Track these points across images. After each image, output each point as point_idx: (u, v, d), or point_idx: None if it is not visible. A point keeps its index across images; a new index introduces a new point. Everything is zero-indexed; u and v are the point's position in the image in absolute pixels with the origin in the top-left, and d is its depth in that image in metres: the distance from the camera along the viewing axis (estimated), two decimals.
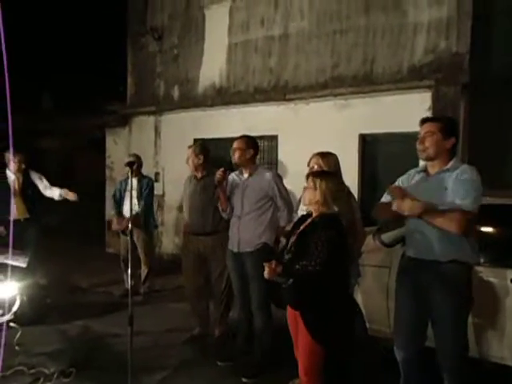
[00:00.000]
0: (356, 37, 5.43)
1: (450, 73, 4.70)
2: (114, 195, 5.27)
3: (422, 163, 2.83)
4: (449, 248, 2.27)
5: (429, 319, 2.39)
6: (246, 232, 3.28)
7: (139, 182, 5.15)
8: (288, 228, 3.15)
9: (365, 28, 5.37)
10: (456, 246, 2.27)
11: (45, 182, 4.90)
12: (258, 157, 6.86)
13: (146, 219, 5.15)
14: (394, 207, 2.28)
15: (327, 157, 2.97)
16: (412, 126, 4.69)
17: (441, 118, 2.55)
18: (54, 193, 4.80)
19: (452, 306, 2.29)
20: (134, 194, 5.07)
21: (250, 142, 3.39)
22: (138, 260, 5.13)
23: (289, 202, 3.33)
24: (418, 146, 2.43)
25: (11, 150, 4.43)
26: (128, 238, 5.11)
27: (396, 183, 2.55)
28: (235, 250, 3.34)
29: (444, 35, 4.82)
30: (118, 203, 5.19)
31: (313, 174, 2.51)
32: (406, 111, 4.88)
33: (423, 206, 2.21)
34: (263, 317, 3.26)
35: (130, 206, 2.82)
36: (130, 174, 2.55)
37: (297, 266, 2.30)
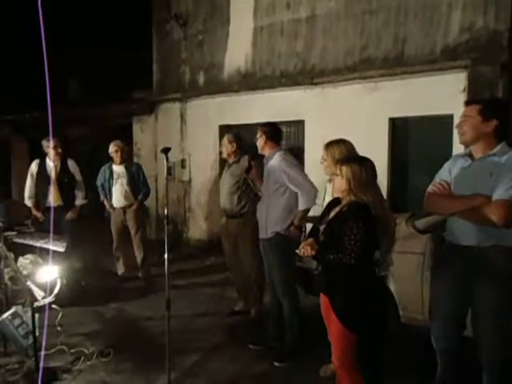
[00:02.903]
0: (386, 16, 5.23)
1: (487, 52, 4.48)
2: (102, 185, 5.12)
3: (455, 148, 2.73)
4: (490, 232, 2.18)
5: (469, 309, 2.31)
6: (262, 218, 3.33)
7: (127, 169, 5.07)
8: (312, 213, 3.14)
9: (396, 7, 5.16)
10: (498, 230, 2.16)
11: (78, 178, 4.99)
12: (284, 142, 6.84)
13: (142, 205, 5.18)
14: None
15: (331, 146, 2.81)
16: (445, 108, 4.60)
17: (481, 100, 2.42)
18: (78, 196, 4.96)
19: (494, 295, 2.19)
20: (124, 181, 5.02)
21: (262, 129, 3.39)
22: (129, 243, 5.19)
23: (303, 186, 3.15)
24: (458, 130, 2.34)
25: (50, 137, 4.56)
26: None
27: (442, 169, 2.45)
28: (260, 235, 3.40)
29: (481, 12, 4.57)
30: (106, 192, 5.08)
31: (339, 161, 2.42)
32: (438, 93, 4.71)
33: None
34: (289, 303, 3.28)
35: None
36: (165, 160, 2.57)
37: (331, 257, 2.27)
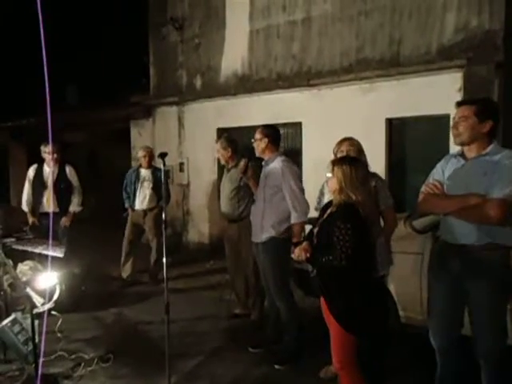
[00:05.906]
0: (381, 17, 5.25)
1: (482, 51, 4.49)
2: (125, 187, 5.28)
3: (452, 147, 2.74)
4: (485, 230, 2.19)
5: (465, 307, 2.33)
6: (257, 221, 3.33)
7: (153, 173, 5.23)
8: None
9: (391, 8, 5.19)
10: (493, 228, 2.17)
11: (75, 184, 4.97)
12: (282, 144, 6.84)
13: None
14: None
15: (345, 142, 2.85)
16: (441, 108, 4.61)
17: (476, 101, 2.40)
18: (73, 203, 4.91)
19: (489, 294, 2.21)
20: (149, 184, 5.17)
21: (264, 132, 3.36)
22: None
23: (298, 200, 3.15)
24: (453, 131, 2.35)
25: (50, 143, 4.54)
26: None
27: (435, 170, 2.46)
28: (253, 239, 3.42)
29: (476, 11, 4.59)
30: (129, 195, 5.21)
31: (332, 162, 2.46)
32: (435, 93, 4.72)
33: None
34: (285, 306, 3.28)
35: (162, 194, 2.84)
36: (162, 165, 2.58)
37: (323, 260, 2.28)
